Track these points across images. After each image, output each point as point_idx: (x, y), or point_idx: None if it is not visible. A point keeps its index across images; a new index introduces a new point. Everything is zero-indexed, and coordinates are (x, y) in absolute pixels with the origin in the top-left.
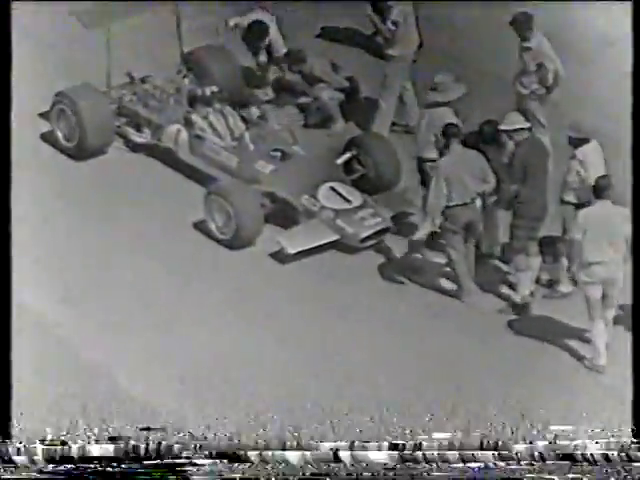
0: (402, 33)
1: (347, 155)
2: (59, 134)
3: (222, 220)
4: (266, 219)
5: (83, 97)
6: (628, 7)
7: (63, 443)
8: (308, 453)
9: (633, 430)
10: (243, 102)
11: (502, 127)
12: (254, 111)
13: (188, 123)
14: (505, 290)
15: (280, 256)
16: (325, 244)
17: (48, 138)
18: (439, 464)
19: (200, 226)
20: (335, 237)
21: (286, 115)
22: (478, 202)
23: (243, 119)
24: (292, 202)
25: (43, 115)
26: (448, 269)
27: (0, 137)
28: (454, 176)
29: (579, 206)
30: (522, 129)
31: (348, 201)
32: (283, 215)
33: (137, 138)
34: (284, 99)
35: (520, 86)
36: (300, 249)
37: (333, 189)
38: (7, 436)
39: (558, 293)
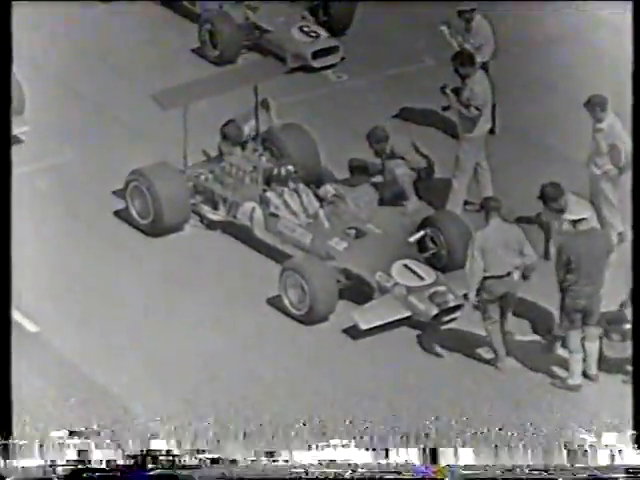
0: (481, 117)
1: (420, 233)
2: (133, 211)
3: (297, 296)
4: (340, 295)
5: (159, 176)
6: None
7: None
8: None
9: None
10: (318, 180)
11: (567, 217)
12: (329, 189)
13: (263, 201)
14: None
15: (353, 332)
16: (397, 320)
17: (122, 215)
18: None
19: (274, 302)
20: (407, 314)
21: (361, 194)
22: (516, 275)
23: (317, 197)
24: (366, 278)
25: (117, 193)
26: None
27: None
28: (490, 249)
29: None
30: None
31: (421, 278)
32: (357, 291)
33: (213, 215)
34: (358, 178)
35: (594, 167)
36: (373, 325)
37: (406, 266)
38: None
39: (628, 374)
